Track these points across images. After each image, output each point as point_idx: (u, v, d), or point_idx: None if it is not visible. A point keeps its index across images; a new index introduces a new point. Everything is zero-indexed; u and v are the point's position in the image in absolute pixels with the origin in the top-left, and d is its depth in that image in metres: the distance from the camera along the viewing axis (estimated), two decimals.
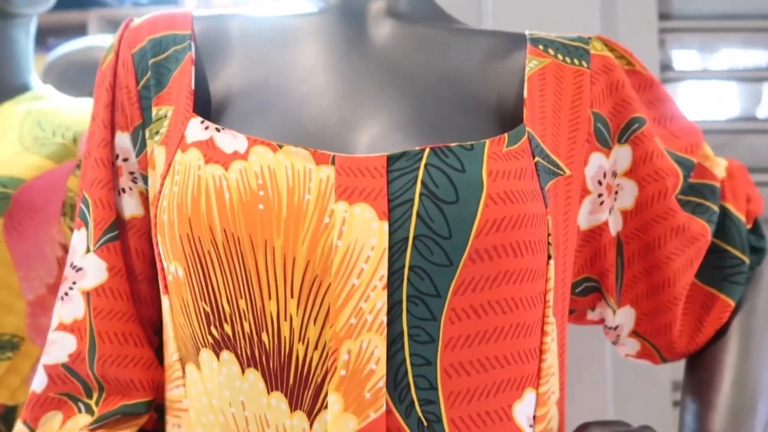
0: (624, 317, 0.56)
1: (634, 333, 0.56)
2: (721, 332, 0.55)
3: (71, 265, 0.51)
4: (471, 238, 0.42)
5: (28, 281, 0.67)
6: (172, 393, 0.47)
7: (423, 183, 0.43)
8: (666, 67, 0.90)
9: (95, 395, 0.48)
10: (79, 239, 0.51)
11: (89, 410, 0.48)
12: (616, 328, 0.57)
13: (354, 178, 0.43)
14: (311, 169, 0.43)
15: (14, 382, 0.65)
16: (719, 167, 0.58)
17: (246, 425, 0.43)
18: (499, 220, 0.43)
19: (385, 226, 0.42)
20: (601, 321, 0.58)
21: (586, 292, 0.55)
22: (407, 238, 0.42)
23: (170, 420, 0.47)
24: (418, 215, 0.42)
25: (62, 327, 0.50)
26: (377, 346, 0.41)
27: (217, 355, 0.44)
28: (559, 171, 0.49)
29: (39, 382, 0.50)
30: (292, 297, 0.42)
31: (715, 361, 0.54)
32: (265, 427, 0.42)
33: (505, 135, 0.46)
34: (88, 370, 0.49)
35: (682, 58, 0.95)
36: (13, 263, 0.66)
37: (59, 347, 0.49)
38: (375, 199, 0.42)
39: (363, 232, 0.42)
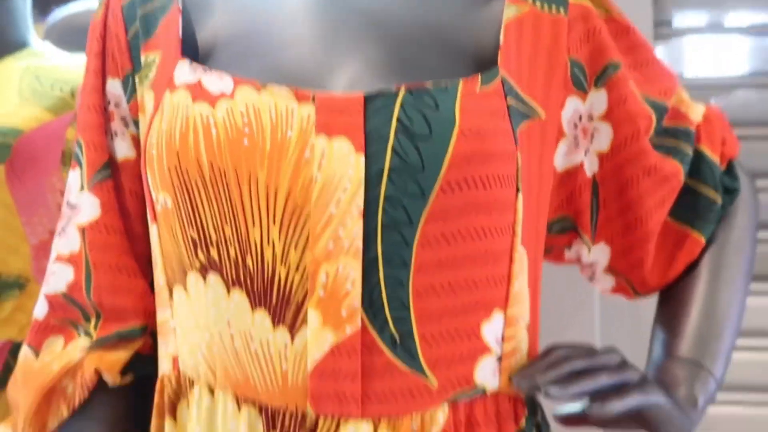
0: (599, 254, 0.58)
1: (609, 269, 0.59)
2: (693, 267, 0.58)
3: (67, 203, 0.54)
4: (442, 171, 0.44)
5: (31, 226, 0.70)
6: (160, 316, 0.50)
7: (399, 120, 0.45)
8: (661, 23, 0.91)
9: (93, 321, 0.52)
10: (74, 178, 0.54)
11: (88, 334, 0.52)
12: (591, 265, 0.59)
13: (333, 114, 0.45)
14: (293, 108, 0.45)
15: (22, 320, 0.68)
16: (696, 112, 0.59)
17: (231, 341, 0.46)
18: (470, 155, 0.45)
19: (362, 159, 0.44)
20: (578, 260, 0.60)
21: (563, 231, 0.58)
22: (382, 171, 0.44)
23: (160, 341, 0.51)
24: (393, 149, 0.44)
25: (60, 259, 0.53)
26: (353, 268, 0.44)
27: (204, 278, 0.46)
28: (533, 114, 0.50)
29: (40, 310, 0.53)
30: (274, 224, 0.45)
31: (684, 293, 0.57)
32: (250, 342, 0.45)
33: (479, 75, 0.47)
34: (85, 298, 0.52)
35: (679, 13, 0.95)
36: (16, 208, 0.69)
37: (58, 278, 0.53)
38: (353, 133, 0.45)
39: (341, 165, 0.44)
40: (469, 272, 0.46)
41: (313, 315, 0.44)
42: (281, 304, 0.45)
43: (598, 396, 0.47)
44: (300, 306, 0.45)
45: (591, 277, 0.61)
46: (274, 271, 0.45)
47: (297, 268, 0.44)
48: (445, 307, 0.45)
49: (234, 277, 0.46)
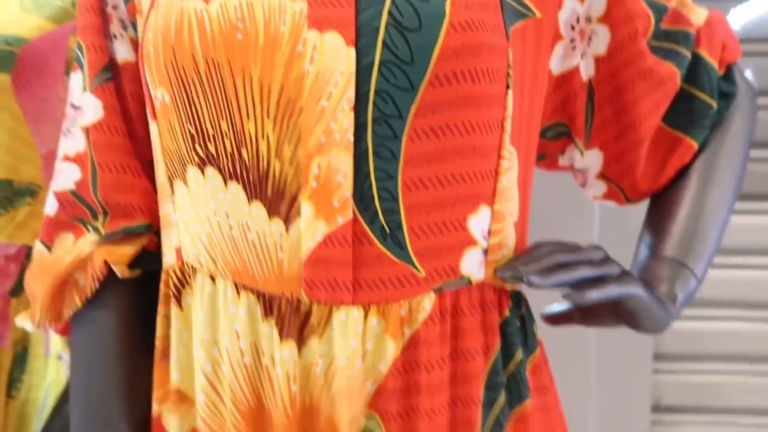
0: (591, 159, 0.59)
1: (601, 175, 0.60)
2: (683, 173, 0.58)
3: (71, 104, 0.55)
4: (431, 63, 0.45)
5: (39, 136, 0.72)
6: (163, 210, 0.53)
7: (390, 13, 0.45)
8: None
9: (100, 218, 0.54)
10: (75, 80, 0.55)
11: (96, 231, 0.54)
12: (583, 171, 0.60)
13: (325, 8, 0.45)
14: (286, 3, 0.46)
15: (36, 226, 0.72)
16: (697, 15, 0.58)
17: (230, 231, 0.48)
18: (459, 47, 0.45)
19: (353, 52, 0.45)
20: (571, 166, 0.62)
21: (557, 137, 0.59)
22: (373, 64, 0.45)
23: (164, 235, 0.53)
24: (384, 42, 0.45)
25: (67, 158, 0.55)
26: (344, 161, 0.46)
27: (203, 171, 0.48)
28: (528, 13, 0.50)
29: (51, 207, 0.55)
30: (268, 118, 0.46)
31: (674, 196, 0.58)
32: (247, 232, 0.48)
33: None
34: (92, 196, 0.54)
35: None
36: (24, 117, 0.71)
37: (65, 176, 0.55)
38: (344, 27, 0.45)
39: (332, 58, 0.45)
40: (457, 166, 0.47)
41: (306, 206, 0.46)
42: (276, 196, 0.47)
43: (578, 286, 0.49)
44: (294, 198, 0.46)
45: (583, 184, 0.62)
46: (268, 164, 0.46)
47: (291, 162, 0.46)
48: (432, 199, 0.47)
49: (230, 170, 0.47)
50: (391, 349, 0.48)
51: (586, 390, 0.87)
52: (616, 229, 0.79)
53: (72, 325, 0.56)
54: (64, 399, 0.76)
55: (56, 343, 0.77)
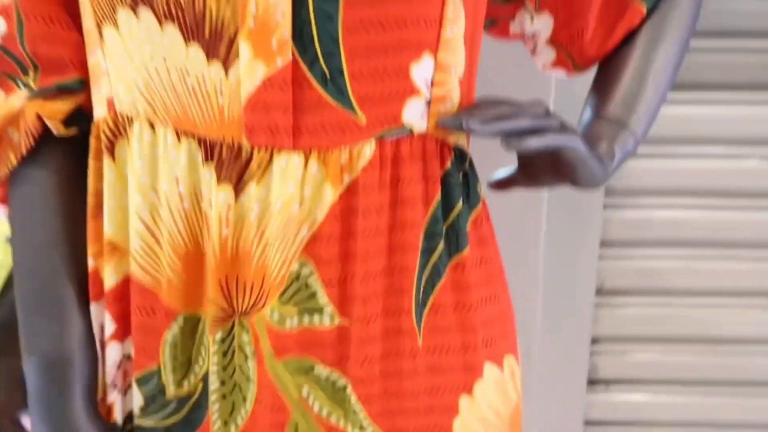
0: (541, 24, 0.59)
1: (551, 41, 0.60)
2: (631, 38, 0.58)
3: None
4: None
5: None
6: (91, 60, 0.51)
7: None
8: None
9: (31, 74, 0.52)
10: None
11: (28, 87, 0.52)
12: (533, 36, 0.60)
13: None
14: None
15: None
16: None
17: (168, 76, 0.47)
18: None
19: None
20: (522, 35, 0.61)
21: (508, 0, 0.58)
22: None
23: (93, 87, 0.51)
24: None
25: None
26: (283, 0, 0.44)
27: (135, 13, 0.46)
28: None
29: None
30: None
31: (620, 60, 0.58)
32: (186, 77, 0.46)
33: None
34: (20, 50, 0.52)
35: None
36: None
37: None
38: None
39: None
40: (399, 9, 0.46)
41: (244, 47, 0.45)
42: (214, 38, 0.45)
43: (519, 135, 0.49)
44: (232, 40, 0.45)
45: (533, 51, 0.62)
46: (204, 3, 0.45)
47: (228, 1, 0.44)
48: (374, 44, 0.46)
49: (165, 10, 0.45)
50: (329, 196, 0.48)
51: (534, 274, 0.90)
52: (570, 106, 0.80)
53: (9, 185, 0.54)
54: (10, 281, 0.75)
55: (3, 225, 0.75)
